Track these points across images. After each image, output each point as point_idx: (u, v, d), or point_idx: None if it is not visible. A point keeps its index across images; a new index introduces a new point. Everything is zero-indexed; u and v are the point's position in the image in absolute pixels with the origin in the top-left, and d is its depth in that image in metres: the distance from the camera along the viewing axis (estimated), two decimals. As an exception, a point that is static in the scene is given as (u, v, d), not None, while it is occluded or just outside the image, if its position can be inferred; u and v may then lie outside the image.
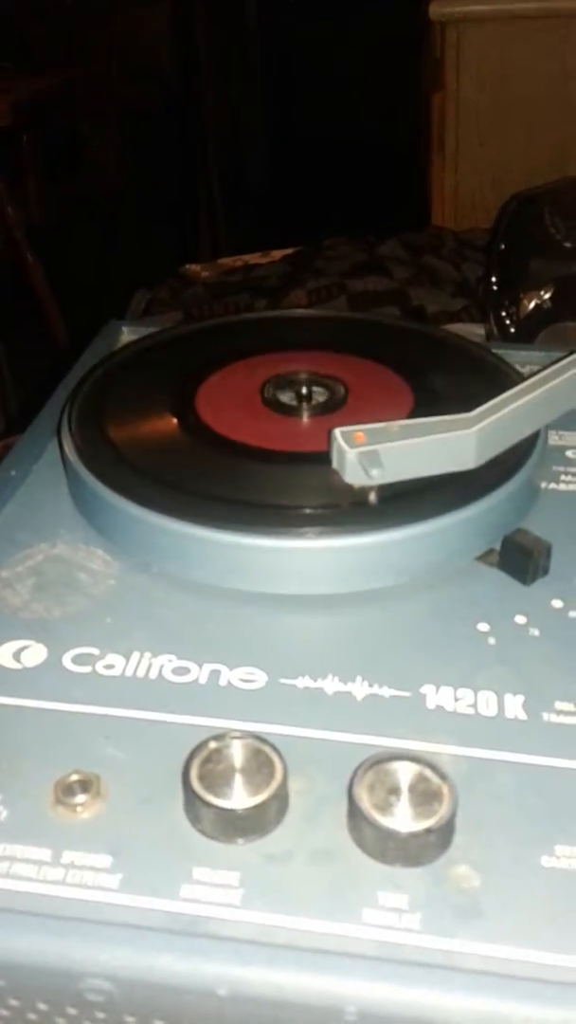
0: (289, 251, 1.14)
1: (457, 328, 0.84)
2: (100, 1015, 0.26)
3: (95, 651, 0.34)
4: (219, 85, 1.91)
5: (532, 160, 1.33)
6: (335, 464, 0.38)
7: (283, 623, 0.36)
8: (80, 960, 0.25)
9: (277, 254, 1.16)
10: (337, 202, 1.51)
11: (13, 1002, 0.26)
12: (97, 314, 0.59)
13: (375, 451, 0.36)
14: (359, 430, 0.38)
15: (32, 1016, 0.27)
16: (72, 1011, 0.26)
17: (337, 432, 0.38)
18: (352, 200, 1.52)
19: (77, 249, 1.66)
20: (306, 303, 0.98)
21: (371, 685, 0.33)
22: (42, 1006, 0.26)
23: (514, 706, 0.32)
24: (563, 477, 0.44)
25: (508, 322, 0.69)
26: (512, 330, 0.68)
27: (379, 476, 0.37)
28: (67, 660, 0.34)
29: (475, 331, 0.81)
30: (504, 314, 0.69)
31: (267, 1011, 0.25)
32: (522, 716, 0.32)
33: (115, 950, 0.25)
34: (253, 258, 1.17)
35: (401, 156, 1.57)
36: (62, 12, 1.85)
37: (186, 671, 0.34)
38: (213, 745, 0.29)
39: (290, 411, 0.44)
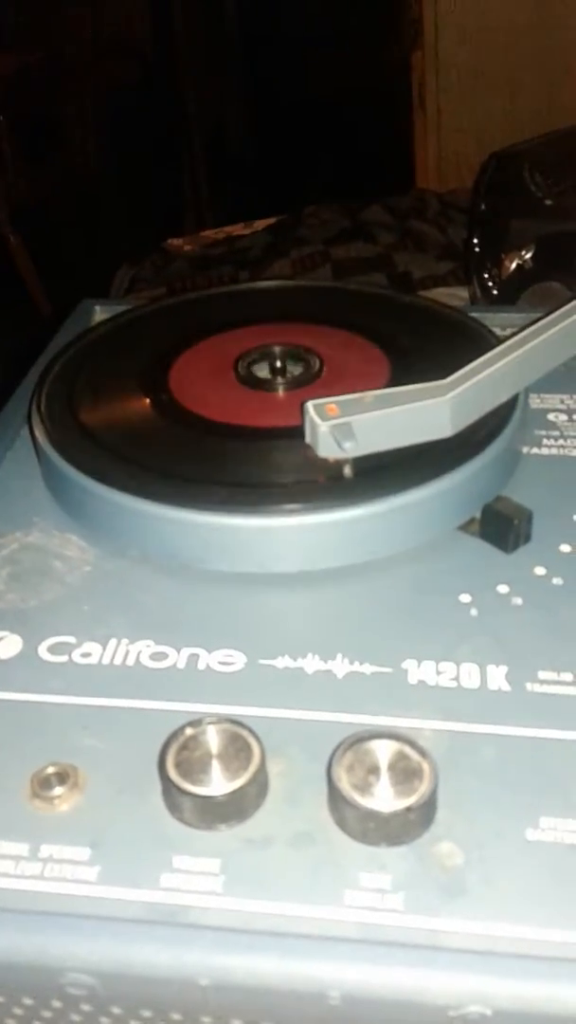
0: (272, 221, 1.13)
1: (442, 292, 0.82)
2: (86, 1007, 0.26)
3: (71, 640, 0.34)
4: (198, 56, 1.88)
5: (516, 116, 1.31)
6: (308, 438, 0.37)
7: (262, 603, 0.35)
8: (59, 955, 0.25)
9: (260, 224, 1.14)
10: (321, 169, 1.49)
11: (-2, 998, 0.26)
12: (82, 292, 0.58)
13: (347, 423, 0.36)
14: (331, 402, 0.37)
15: (18, 1011, 0.27)
16: (57, 1004, 0.26)
17: (309, 405, 0.37)
18: (337, 166, 1.49)
19: (60, 227, 1.64)
20: (291, 273, 0.97)
21: (352, 662, 0.33)
22: (27, 1000, 0.26)
23: (497, 677, 0.32)
24: (545, 441, 0.43)
25: (491, 284, 0.68)
26: (495, 292, 0.67)
27: (352, 449, 0.36)
28: (43, 650, 0.33)
29: (460, 295, 0.80)
30: (486, 276, 0.68)
31: (250, 998, 0.25)
32: (505, 687, 0.31)
33: (94, 944, 0.25)
34: (236, 230, 1.16)
35: (384, 119, 1.55)
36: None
37: (164, 656, 0.33)
38: (189, 732, 0.28)
39: (265, 386, 0.43)
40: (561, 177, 0.66)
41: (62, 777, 0.28)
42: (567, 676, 0.32)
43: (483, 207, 0.71)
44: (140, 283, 1.04)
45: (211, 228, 1.21)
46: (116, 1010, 0.26)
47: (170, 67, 1.88)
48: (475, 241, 0.71)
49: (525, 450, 0.42)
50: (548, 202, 0.66)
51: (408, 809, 0.26)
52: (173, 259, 1.10)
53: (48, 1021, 0.27)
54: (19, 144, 1.75)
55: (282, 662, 0.33)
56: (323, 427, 0.36)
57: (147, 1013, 0.26)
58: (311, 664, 0.33)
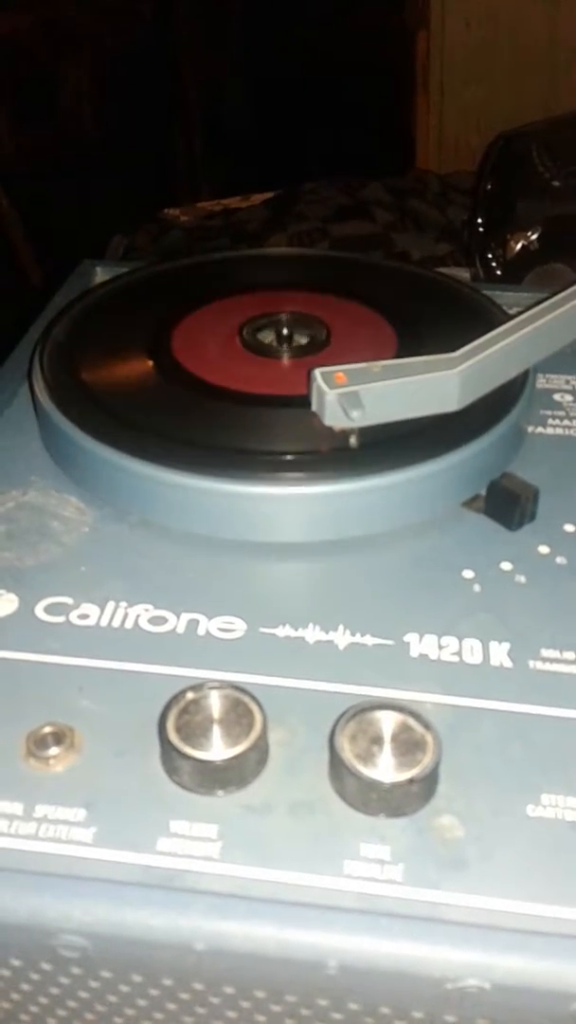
0: (270, 195, 1.11)
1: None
2: (75, 970, 0.26)
3: (69, 600, 0.33)
4: (197, 25, 1.85)
5: (518, 101, 1.30)
6: (314, 406, 0.37)
7: (264, 571, 0.35)
8: (53, 916, 0.24)
9: (258, 198, 1.13)
10: (319, 145, 1.48)
11: (-15, 958, 0.26)
12: (74, 261, 0.57)
13: (356, 392, 0.35)
14: (340, 370, 0.36)
15: (5, 972, 0.26)
16: (46, 966, 0.26)
17: (317, 372, 0.36)
18: (335, 144, 1.48)
19: (53, 194, 1.61)
20: (288, 248, 0.96)
21: (353, 634, 0.32)
22: (15, 962, 0.26)
23: (499, 654, 0.31)
24: (550, 421, 0.43)
25: (494, 264, 0.67)
26: (498, 272, 0.67)
27: (359, 418, 0.35)
28: (39, 610, 0.33)
29: (460, 275, 0.79)
30: (490, 256, 0.67)
31: (246, 966, 0.24)
32: (507, 664, 0.31)
33: (89, 906, 0.24)
34: (233, 202, 1.14)
35: (385, 98, 1.53)
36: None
37: (163, 621, 0.33)
38: (190, 696, 0.28)
39: (270, 353, 0.43)
40: (570, 159, 0.66)
41: (58, 737, 0.28)
42: (569, 655, 0.31)
43: (489, 186, 0.70)
44: (135, 252, 1.03)
45: (206, 200, 1.20)
46: (106, 974, 0.26)
47: (168, 35, 1.85)
48: (479, 221, 0.70)
49: (530, 429, 0.42)
50: (556, 183, 0.65)
51: (411, 781, 0.26)
52: (168, 229, 1.08)
53: (34, 984, 0.26)
54: (12, 108, 1.72)
55: (283, 631, 0.32)
56: (330, 395, 0.35)
57: (138, 978, 0.26)
58: (312, 634, 0.32)
